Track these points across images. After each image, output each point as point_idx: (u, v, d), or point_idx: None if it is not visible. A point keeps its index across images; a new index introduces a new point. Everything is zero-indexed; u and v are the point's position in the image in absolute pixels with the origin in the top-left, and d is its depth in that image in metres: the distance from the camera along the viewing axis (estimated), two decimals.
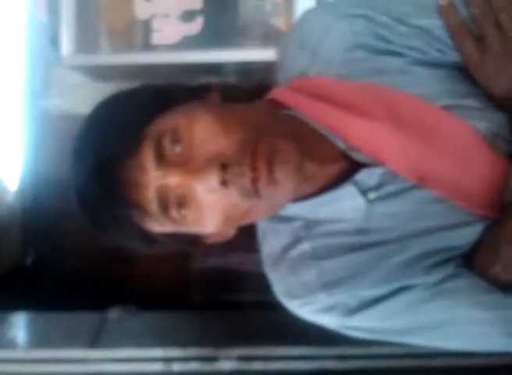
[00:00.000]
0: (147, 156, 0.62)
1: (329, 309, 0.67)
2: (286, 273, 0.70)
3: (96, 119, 0.67)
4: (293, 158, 0.62)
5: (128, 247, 0.70)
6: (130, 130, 0.62)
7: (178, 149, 0.62)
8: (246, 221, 0.69)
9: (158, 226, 0.66)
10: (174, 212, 0.63)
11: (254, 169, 0.60)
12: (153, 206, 0.63)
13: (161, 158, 0.62)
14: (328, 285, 0.67)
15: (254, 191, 0.61)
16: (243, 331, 1.33)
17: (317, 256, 0.69)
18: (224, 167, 0.60)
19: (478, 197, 0.65)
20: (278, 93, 0.72)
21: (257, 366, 1.27)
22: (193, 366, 1.27)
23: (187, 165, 0.62)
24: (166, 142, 0.62)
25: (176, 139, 0.62)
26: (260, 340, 1.29)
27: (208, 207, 0.63)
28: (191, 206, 0.63)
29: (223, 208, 0.63)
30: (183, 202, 0.63)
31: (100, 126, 0.65)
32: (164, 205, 0.63)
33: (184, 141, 0.62)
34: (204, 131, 0.62)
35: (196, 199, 0.63)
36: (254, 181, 0.60)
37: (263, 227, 0.74)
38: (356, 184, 0.66)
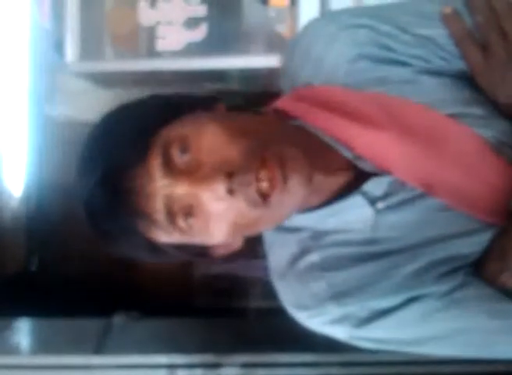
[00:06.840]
0: (155, 165, 0.61)
1: (340, 320, 0.67)
2: (294, 283, 0.70)
3: (103, 129, 0.66)
4: (302, 167, 0.62)
5: (134, 258, 0.70)
6: (138, 139, 0.62)
7: (186, 158, 0.62)
8: (253, 231, 0.69)
9: (165, 236, 0.65)
10: (181, 222, 0.62)
11: (268, 179, 0.60)
12: (160, 215, 0.62)
13: (169, 167, 0.62)
14: (338, 296, 0.67)
15: (261, 200, 0.61)
16: (247, 338, 1.32)
17: (326, 267, 0.68)
18: (230, 176, 0.60)
19: (485, 205, 0.65)
20: (283, 103, 0.72)
21: (261, 372, 1.27)
22: (198, 372, 1.27)
23: (195, 174, 0.61)
24: (174, 151, 0.62)
25: (184, 148, 0.62)
26: (264, 346, 1.28)
27: (214, 216, 0.62)
28: (198, 216, 0.62)
29: (230, 217, 0.62)
30: (189, 212, 0.62)
31: (107, 136, 0.65)
32: (171, 215, 0.62)
33: (192, 150, 0.62)
34: (211, 140, 0.62)
35: (203, 208, 0.62)
36: (270, 189, 0.60)
37: (270, 237, 0.74)
38: (363, 194, 0.66)
